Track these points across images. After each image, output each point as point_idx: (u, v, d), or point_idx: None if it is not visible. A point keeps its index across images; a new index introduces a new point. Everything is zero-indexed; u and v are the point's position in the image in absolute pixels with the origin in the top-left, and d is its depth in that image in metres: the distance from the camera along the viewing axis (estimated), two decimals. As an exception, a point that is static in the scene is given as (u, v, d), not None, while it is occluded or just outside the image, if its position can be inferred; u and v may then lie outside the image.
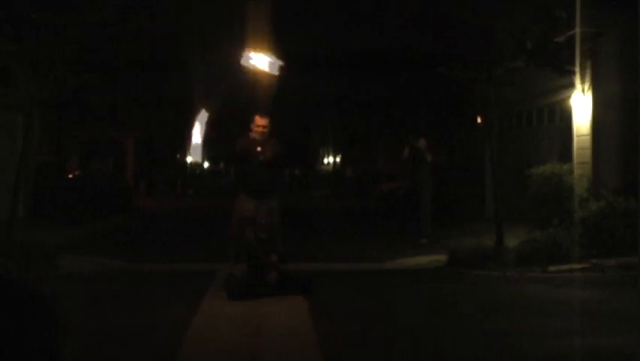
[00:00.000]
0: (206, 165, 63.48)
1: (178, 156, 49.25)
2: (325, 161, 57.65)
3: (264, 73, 9.64)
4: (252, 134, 9.49)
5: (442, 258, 11.95)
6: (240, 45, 11.43)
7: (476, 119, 18.51)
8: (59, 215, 18.02)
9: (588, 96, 13.49)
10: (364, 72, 28.01)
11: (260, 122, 9.43)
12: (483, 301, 8.95)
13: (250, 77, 9.81)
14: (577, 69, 12.94)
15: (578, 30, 12.46)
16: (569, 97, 13.98)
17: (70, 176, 21.53)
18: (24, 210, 17.77)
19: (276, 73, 9.71)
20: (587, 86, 13.45)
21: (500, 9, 11.44)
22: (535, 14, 11.53)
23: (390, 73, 25.09)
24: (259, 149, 9.36)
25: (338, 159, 53.50)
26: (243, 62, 9.61)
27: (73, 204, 18.85)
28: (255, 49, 9.75)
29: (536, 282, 10.14)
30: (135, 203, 25.55)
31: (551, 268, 10.75)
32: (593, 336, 6.85)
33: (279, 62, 9.67)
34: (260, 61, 9.61)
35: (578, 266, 10.82)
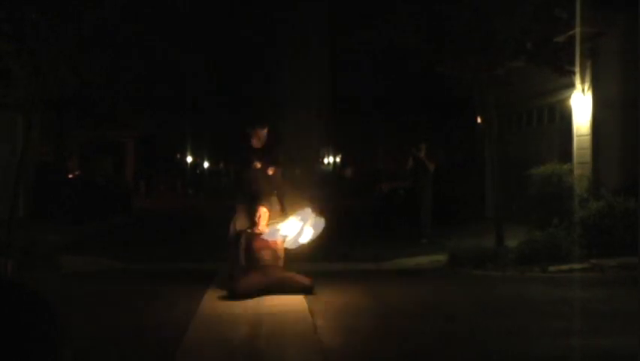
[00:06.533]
0: (206, 164, 63.45)
1: (178, 156, 49.24)
2: (325, 161, 57.63)
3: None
4: (254, 144, 9.64)
5: (442, 258, 11.95)
6: None
7: (476, 119, 18.52)
8: (59, 215, 18.02)
9: (588, 96, 13.48)
10: (363, 72, 28.02)
11: (260, 133, 9.61)
12: (483, 301, 8.95)
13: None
14: (577, 69, 12.93)
15: (578, 30, 12.45)
16: (569, 97, 13.98)
17: (70, 176, 21.51)
18: (24, 210, 17.76)
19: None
20: (587, 86, 13.44)
21: (500, 9, 11.43)
22: (535, 14, 11.52)
23: (390, 73, 25.09)
24: (258, 165, 9.51)
25: (338, 159, 53.48)
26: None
27: (73, 205, 18.84)
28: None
29: (536, 282, 10.14)
30: (135, 203, 25.55)
31: (551, 268, 10.75)
32: (593, 336, 6.85)
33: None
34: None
35: (577, 266, 10.82)
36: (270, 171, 9.49)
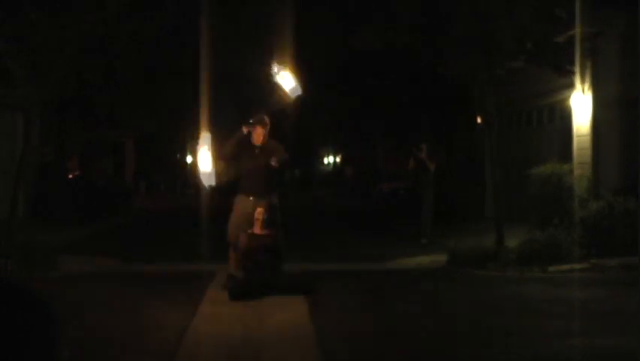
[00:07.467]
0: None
1: (178, 156, 49.24)
2: (325, 161, 57.62)
3: (285, 94, 9.84)
4: (254, 141, 9.61)
5: (442, 258, 11.95)
6: (266, 55, 11.36)
7: (476, 119, 18.50)
8: (59, 215, 18.02)
9: (588, 96, 13.48)
10: (363, 71, 27.99)
11: (260, 131, 9.58)
12: (483, 301, 8.96)
13: (273, 91, 10.02)
14: (577, 69, 12.93)
15: (578, 30, 12.45)
16: (569, 97, 13.97)
17: (70, 176, 21.52)
18: (24, 211, 17.74)
19: (293, 98, 9.92)
20: (587, 86, 13.43)
21: (500, 9, 11.43)
22: (535, 14, 11.52)
23: (390, 73, 25.07)
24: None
25: (338, 159, 53.48)
26: (272, 73, 9.83)
27: (73, 205, 18.84)
28: (282, 64, 9.94)
29: (536, 282, 10.14)
30: (135, 203, 25.56)
31: (551, 268, 10.75)
32: (593, 336, 6.85)
33: (299, 91, 9.87)
34: (285, 80, 9.81)
35: (578, 266, 10.82)
36: (273, 162, 9.42)
